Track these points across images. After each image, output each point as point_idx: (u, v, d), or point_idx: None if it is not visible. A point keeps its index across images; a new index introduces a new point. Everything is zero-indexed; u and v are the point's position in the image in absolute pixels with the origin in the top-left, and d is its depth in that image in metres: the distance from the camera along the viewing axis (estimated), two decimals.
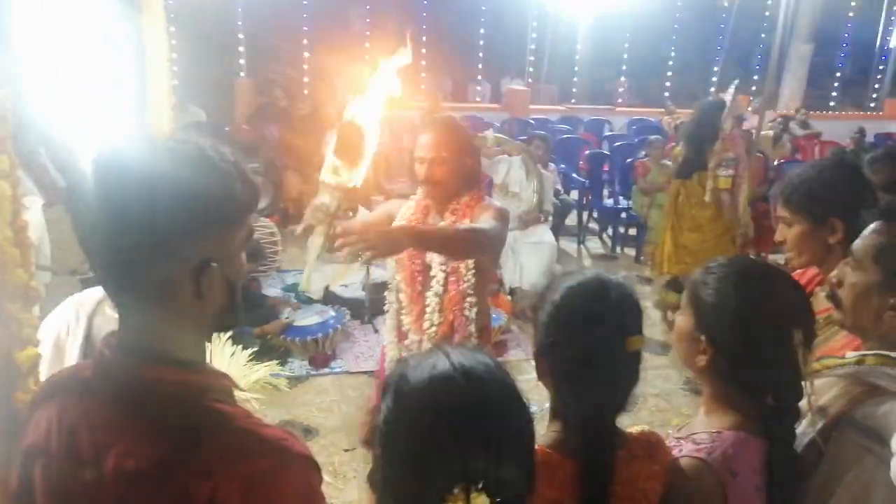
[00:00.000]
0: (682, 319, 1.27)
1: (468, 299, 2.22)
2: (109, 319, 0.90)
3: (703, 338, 1.20)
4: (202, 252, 0.86)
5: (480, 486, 0.85)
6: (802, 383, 1.17)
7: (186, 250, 0.85)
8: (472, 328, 2.25)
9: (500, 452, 0.88)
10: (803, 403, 1.19)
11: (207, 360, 0.98)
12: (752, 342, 1.16)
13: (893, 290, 1.16)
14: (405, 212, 2.34)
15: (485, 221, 2.12)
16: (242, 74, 10.28)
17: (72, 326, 1.45)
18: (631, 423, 1.28)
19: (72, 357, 1.43)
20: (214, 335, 2.40)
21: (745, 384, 1.21)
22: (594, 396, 1.12)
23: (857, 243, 1.24)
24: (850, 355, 1.22)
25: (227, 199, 0.87)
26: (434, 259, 2.24)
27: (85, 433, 0.88)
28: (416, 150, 2.23)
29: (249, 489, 0.83)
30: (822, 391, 1.23)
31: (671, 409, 3.94)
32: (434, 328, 2.25)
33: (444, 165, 2.18)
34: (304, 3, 11.98)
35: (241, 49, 10.55)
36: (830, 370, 1.23)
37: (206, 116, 7.99)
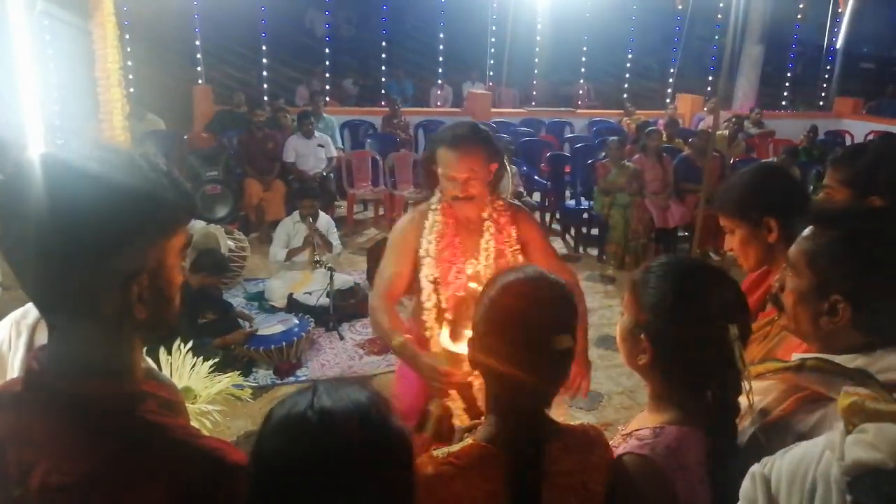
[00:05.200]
0: (624, 319, 1.29)
1: None
2: None
3: (642, 336, 1.23)
4: (130, 262, 0.84)
5: None
6: (742, 379, 1.19)
7: (113, 260, 0.83)
8: None
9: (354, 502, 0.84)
10: (743, 401, 1.21)
11: (161, 371, 0.97)
12: (688, 339, 1.19)
13: (826, 296, 1.17)
14: (430, 232, 2.21)
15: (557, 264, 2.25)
16: (200, 81, 10.13)
17: (13, 340, 1.42)
18: (596, 421, 1.29)
19: (14, 371, 1.39)
20: (175, 347, 2.37)
21: (684, 380, 1.23)
22: (519, 390, 1.14)
23: (792, 249, 1.26)
24: (794, 357, 1.24)
25: (156, 208, 0.86)
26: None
27: (12, 450, 0.86)
28: (443, 166, 2.11)
29: (182, 501, 0.82)
30: (766, 392, 1.26)
31: (636, 406, 3.99)
32: None
33: (479, 180, 2.11)
34: (262, 9, 11.85)
35: (198, 56, 10.41)
36: (773, 373, 1.25)
37: (164, 124, 7.86)
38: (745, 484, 1.02)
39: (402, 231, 2.28)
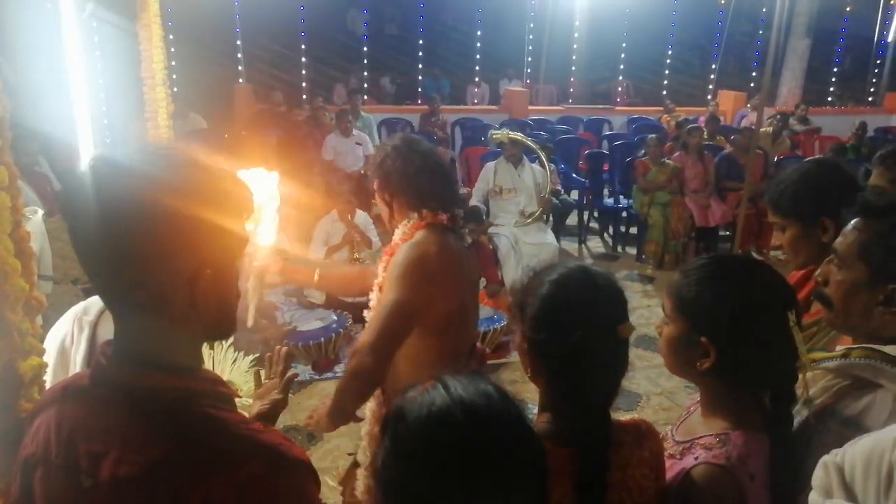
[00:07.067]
0: (672, 328, 1.25)
1: None
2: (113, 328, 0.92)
3: (703, 340, 1.18)
4: (196, 259, 0.86)
5: None
6: (799, 369, 1.18)
7: (180, 257, 0.85)
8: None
9: (509, 493, 0.84)
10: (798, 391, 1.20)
11: (205, 366, 0.99)
12: (753, 333, 1.16)
13: (881, 286, 1.17)
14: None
15: (373, 319, 1.84)
16: (241, 80, 10.30)
17: (76, 335, 1.46)
18: None
19: (76, 367, 1.43)
20: (216, 342, 2.42)
21: (748, 379, 1.20)
22: (589, 387, 1.12)
23: (839, 241, 1.25)
24: (839, 349, 1.24)
25: (221, 206, 0.88)
26: None
27: (82, 441, 0.89)
28: None
29: (243, 494, 0.83)
30: (811, 382, 1.25)
31: (675, 407, 3.94)
32: None
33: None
34: (301, 8, 12.00)
35: (239, 55, 10.58)
36: (818, 363, 1.24)
37: (206, 123, 8.01)
38: (818, 473, 1.01)
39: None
